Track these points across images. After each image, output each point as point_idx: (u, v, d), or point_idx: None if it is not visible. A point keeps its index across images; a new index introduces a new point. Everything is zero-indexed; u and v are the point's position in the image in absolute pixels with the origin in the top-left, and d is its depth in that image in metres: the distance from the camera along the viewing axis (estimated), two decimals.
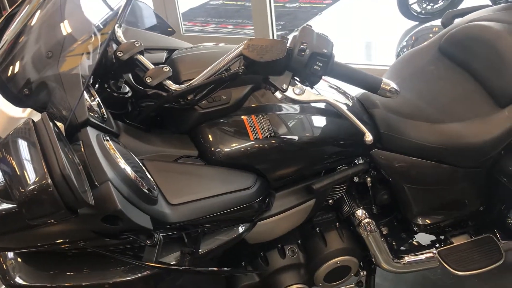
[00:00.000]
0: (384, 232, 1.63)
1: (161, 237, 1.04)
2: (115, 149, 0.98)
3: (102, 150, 0.96)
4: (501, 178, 1.52)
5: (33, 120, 0.86)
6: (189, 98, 1.20)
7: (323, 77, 1.18)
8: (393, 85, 1.19)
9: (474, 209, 1.64)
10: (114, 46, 1.28)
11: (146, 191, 0.98)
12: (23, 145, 0.80)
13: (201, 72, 1.21)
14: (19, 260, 1.13)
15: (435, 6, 4.45)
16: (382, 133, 1.47)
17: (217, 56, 1.22)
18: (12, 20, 1.17)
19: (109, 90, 1.20)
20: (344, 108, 1.19)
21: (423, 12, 4.50)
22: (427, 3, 4.44)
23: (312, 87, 1.19)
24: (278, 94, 1.17)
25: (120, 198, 0.91)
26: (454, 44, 1.68)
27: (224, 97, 1.27)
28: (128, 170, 0.96)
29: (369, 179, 1.53)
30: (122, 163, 0.96)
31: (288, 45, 1.14)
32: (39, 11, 1.11)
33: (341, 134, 1.36)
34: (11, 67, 1.07)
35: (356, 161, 1.51)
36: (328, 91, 1.45)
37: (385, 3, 5.03)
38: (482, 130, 1.47)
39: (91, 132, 0.98)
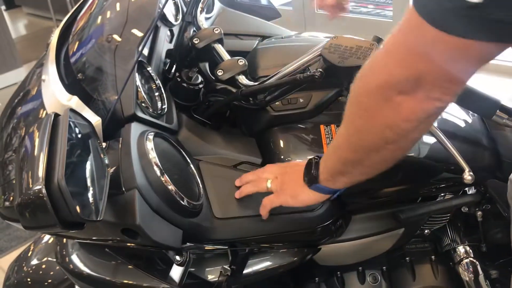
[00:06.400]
0: (493, 276, 1.31)
1: (191, 256, 0.93)
2: (154, 151, 0.87)
3: (140, 151, 0.86)
4: None
5: (56, 114, 0.79)
6: (259, 98, 1.06)
7: None
8: None
9: None
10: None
11: (184, 203, 0.87)
12: (33, 142, 0.74)
13: (281, 68, 1.06)
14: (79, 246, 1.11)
15: None
16: (505, 161, 1.17)
17: (305, 50, 1.05)
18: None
19: (179, 80, 1.11)
20: (441, 134, 0.94)
21: None
22: None
23: None
24: None
25: (145, 210, 0.81)
26: None
27: (301, 100, 1.09)
28: (165, 177, 0.86)
29: (479, 212, 1.23)
30: (159, 169, 0.86)
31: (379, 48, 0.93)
32: None
33: (450, 158, 1.06)
34: (73, 49, 1.03)
35: (467, 189, 1.23)
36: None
37: None
38: None
39: (135, 129, 0.89)
